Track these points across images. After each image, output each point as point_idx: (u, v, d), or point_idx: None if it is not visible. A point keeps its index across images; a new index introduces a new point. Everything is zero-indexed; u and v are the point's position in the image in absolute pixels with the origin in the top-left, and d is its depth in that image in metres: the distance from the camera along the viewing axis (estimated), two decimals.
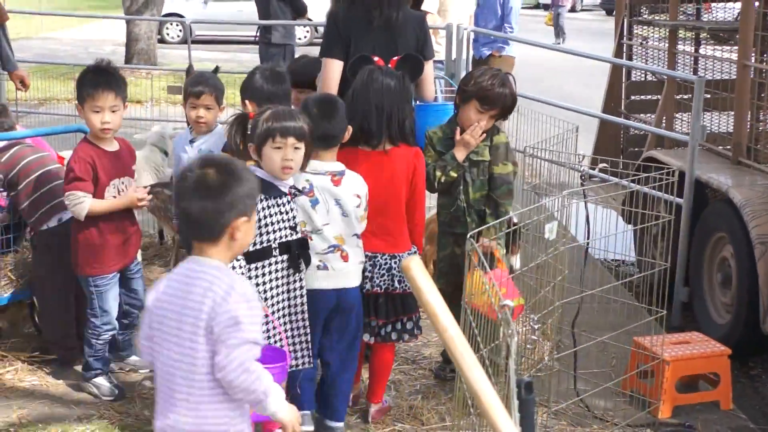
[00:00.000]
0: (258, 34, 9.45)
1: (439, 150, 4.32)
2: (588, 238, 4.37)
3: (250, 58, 11.57)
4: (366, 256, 3.94)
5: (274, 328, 3.61)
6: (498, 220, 4.10)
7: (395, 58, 4.21)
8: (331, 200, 3.78)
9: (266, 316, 3.56)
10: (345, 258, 3.82)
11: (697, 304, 5.59)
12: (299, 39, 18.86)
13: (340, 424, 3.96)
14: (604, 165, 5.59)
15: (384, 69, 4.05)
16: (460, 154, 4.24)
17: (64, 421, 4.14)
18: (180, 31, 21.55)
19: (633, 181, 4.83)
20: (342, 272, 3.83)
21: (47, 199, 4.54)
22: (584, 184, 4.42)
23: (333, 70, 4.34)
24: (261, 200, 3.49)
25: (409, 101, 4.12)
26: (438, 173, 4.25)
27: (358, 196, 3.82)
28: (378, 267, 3.97)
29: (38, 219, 4.54)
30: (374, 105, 3.92)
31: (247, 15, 18.01)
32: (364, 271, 3.93)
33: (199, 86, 4.49)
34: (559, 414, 4.27)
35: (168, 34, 21.77)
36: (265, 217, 3.54)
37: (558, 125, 5.47)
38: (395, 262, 3.95)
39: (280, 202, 3.59)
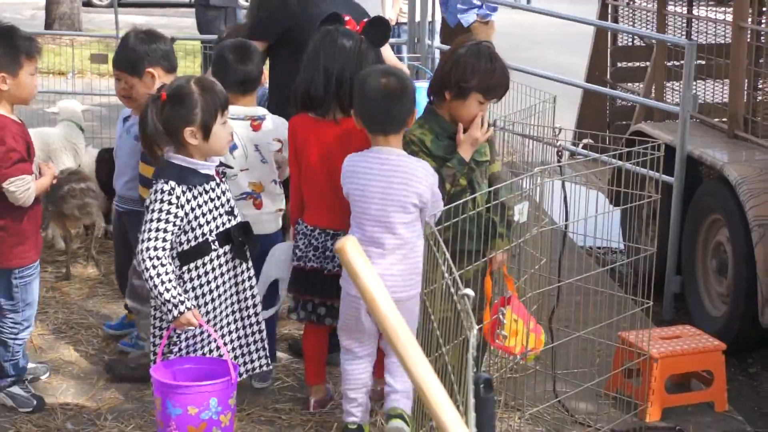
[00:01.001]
0: None
1: (438, 155, 3.95)
2: (566, 221, 4.40)
3: (191, 23, 11.52)
4: (326, 232, 4.05)
5: (209, 336, 3.66)
6: (509, 228, 4.05)
7: (364, 20, 4.26)
8: (251, 145, 4.08)
9: (200, 325, 3.61)
10: (258, 206, 4.16)
11: (689, 294, 5.68)
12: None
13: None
14: (588, 140, 5.65)
15: (341, 30, 4.08)
16: (467, 155, 3.93)
17: None
18: None
19: (616, 157, 4.88)
20: (252, 220, 3.99)
21: None
22: (560, 160, 4.46)
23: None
24: (184, 192, 3.52)
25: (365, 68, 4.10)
26: (447, 185, 3.92)
27: (279, 141, 4.13)
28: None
29: None
30: (323, 68, 3.98)
31: None
32: (317, 248, 4.00)
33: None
34: (536, 419, 4.32)
35: None
36: (192, 209, 3.56)
37: (534, 95, 5.50)
38: None
39: (208, 188, 3.61)
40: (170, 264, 3.54)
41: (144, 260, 3.50)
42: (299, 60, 4.21)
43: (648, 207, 5.17)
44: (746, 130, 5.75)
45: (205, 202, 3.59)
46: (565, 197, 4.38)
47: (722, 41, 6.41)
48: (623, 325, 4.66)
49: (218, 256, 3.65)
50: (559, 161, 4.49)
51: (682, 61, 5.93)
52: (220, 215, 3.63)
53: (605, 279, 5.41)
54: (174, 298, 3.53)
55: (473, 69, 3.88)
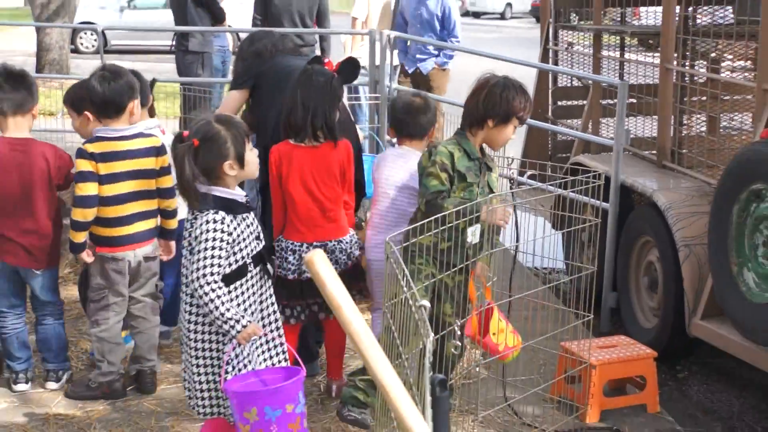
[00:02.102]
0: (174, 42, 9.41)
1: (461, 170, 4.10)
2: (517, 243, 4.46)
3: (170, 68, 11.52)
4: (312, 245, 4.34)
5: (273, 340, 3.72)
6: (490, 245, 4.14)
7: (339, 60, 4.54)
8: None
9: (264, 335, 3.62)
10: None
11: (624, 308, 5.75)
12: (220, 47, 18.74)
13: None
14: (534, 172, 5.72)
15: (317, 69, 4.32)
16: (476, 235, 4.06)
17: None
18: (95, 40, 21.30)
19: (562, 185, 4.95)
20: None
21: None
22: (513, 188, 4.52)
23: (234, 98, 4.88)
24: (231, 220, 3.52)
25: (337, 101, 4.35)
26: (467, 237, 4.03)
27: None
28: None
29: None
30: (301, 101, 4.24)
31: (162, 25, 17.86)
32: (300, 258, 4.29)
33: None
34: (488, 421, 4.36)
35: (82, 44, 21.53)
36: (238, 236, 3.56)
37: None
38: (337, 246, 4.35)
39: (245, 216, 3.62)
40: (223, 286, 3.53)
41: (203, 285, 3.45)
42: (272, 100, 4.55)
43: (588, 230, 5.24)
44: (673, 161, 5.85)
45: (244, 229, 3.58)
46: (516, 221, 4.44)
47: (651, 81, 6.53)
48: (566, 337, 4.72)
49: (252, 276, 3.65)
50: (511, 189, 4.56)
51: (615, 100, 6.04)
52: (253, 240, 3.63)
53: (550, 295, 5.47)
54: (236, 315, 3.50)
55: (515, 98, 4.12)
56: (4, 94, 4.45)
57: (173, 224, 4.56)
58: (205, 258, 3.46)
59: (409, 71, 8.85)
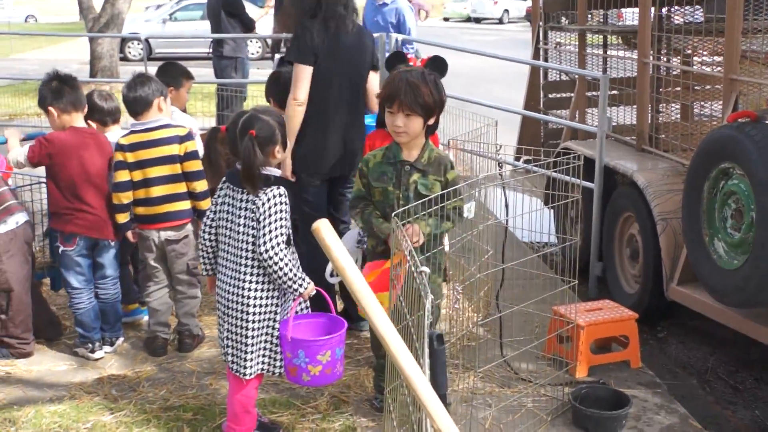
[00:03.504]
0: (211, 48, 9.45)
1: (376, 178, 3.80)
2: (506, 217, 4.46)
3: (207, 72, 11.55)
4: None
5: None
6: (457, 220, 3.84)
7: (424, 58, 4.44)
8: None
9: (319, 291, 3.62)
10: None
11: (609, 276, 5.72)
12: (252, 54, 18.78)
13: None
14: (527, 158, 5.69)
15: (416, 69, 4.10)
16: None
17: (37, 403, 4.13)
18: (141, 49, 21.35)
19: (548, 166, 4.93)
20: None
21: None
22: (501, 170, 4.51)
23: (305, 74, 4.55)
24: (287, 195, 3.52)
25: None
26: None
27: None
28: None
29: None
30: None
31: (200, 34, 17.89)
32: None
33: None
34: (487, 376, 4.36)
35: (130, 52, 21.56)
36: (289, 207, 3.57)
37: (479, 120, 5.55)
38: None
39: (288, 192, 3.62)
40: (287, 251, 3.53)
41: (276, 253, 3.45)
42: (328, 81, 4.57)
43: (576, 207, 5.22)
44: (651, 145, 5.81)
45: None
46: (505, 199, 4.43)
47: (630, 74, 6.48)
48: (555, 302, 4.71)
49: (293, 243, 3.65)
50: (499, 171, 4.54)
51: (598, 92, 6.00)
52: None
53: (541, 265, 5.45)
54: (302, 275, 3.53)
55: (398, 83, 3.69)
56: (68, 94, 4.52)
57: (204, 205, 4.56)
58: (275, 228, 3.46)
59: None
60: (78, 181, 4.49)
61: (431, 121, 3.71)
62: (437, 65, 4.33)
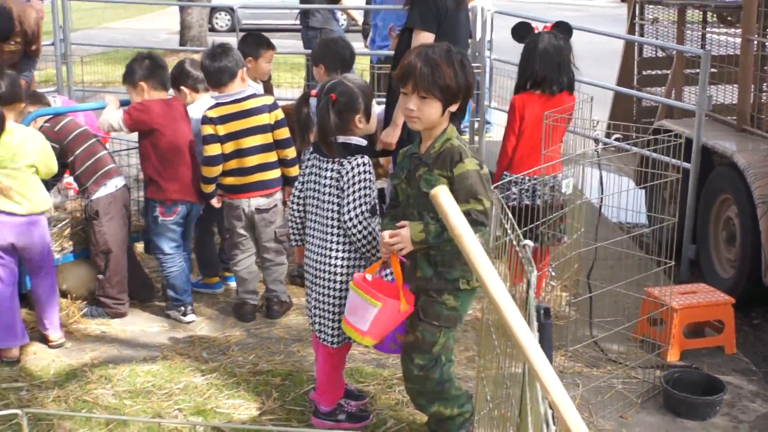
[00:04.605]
0: (299, 19, 9.50)
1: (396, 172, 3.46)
2: (601, 196, 4.38)
3: (293, 43, 11.65)
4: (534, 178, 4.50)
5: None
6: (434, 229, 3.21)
7: (549, 23, 4.69)
8: None
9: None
10: None
11: (703, 260, 5.58)
12: (341, 25, 18.80)
13: None
14: (618, 135, 5.57)
15: (551, 34, 4.60)
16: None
17: (131, 362, 4.26)
18: (228, 20, 21.62)
19: (644, 147, 4.83)
20: None
21: (98, 166, 4.65)
22: (598, 149, 4.42)
23: (428, 41, 4.47)
24: (370, 164, 3.51)
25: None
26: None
27: None
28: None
29: (95, 182, 4.63)
30: (550, 59, 4.54)
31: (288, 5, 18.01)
32: (527, 190, 4.51)
33: None
34: (576, 356, 4.31)
35: (217, 23, 21.86)
36: (374, 177, 3.56)
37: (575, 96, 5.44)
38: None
39: (371, 161, 3.60)
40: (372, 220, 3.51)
41: (360, 221, 3.44)
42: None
43: (669, 186, 5.09)
44: (752, 125, 5.62)
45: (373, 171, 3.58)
46: (600, 177, 4.35)
47: (732, 52, 6.27)
48: (648, 283, 4.62)
49: (378, 214, 3.64)
50: (595, 148, 4.46)
51: (697, 69, 5.82)
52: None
53: (630, 245, 5.35)
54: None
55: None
56: (161, 73, 4.67)
57: (294, 172, 4.60)
58: (359, 197, 3.45)
59: (374, 62, 8.09)
60: (173, 148, 4.58)
61: (453, 108, 3.08)
62: (563, 29, 4.40)
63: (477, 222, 2.95)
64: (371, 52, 8.33)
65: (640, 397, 3.99)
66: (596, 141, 4.43)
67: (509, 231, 2.40)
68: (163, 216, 4.62)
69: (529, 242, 2.22)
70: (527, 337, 1.36)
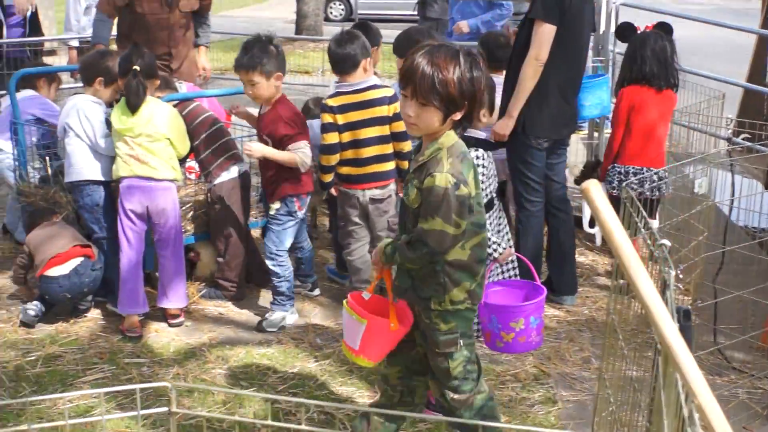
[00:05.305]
0: (416, 10, 9.53)
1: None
2: (731, 200, 4.23)
3: None
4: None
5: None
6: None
7: (650, 24, 5.00)
8: None
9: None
10: None
11: None
12: None
13: None
14: (746, 135, 5.37)
15: (656, 33, 4.86)
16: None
17: (247, 344, 4.37)
18: (342, 9, 21.89)
19: None
20: None
21: (222, 151, 4.77)
22: (729, 148, 4.28)
23: (550, 33, 4.46)
24: (486, 157, 3.50)
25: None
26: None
27: None
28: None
29: (218, 166, 4.75)
30: (657, 57, 4.80)
31: None
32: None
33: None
34: (698, 363, 4.16)
35: (332, 13, 22.15)
36: (490, 171, 3.56)
37: (702, 92, 5.28)
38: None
39: (490, 153, 3.59)
40: None
41: None
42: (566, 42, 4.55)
43: None
44: None
45: (489, 165, 3.55)
46: (732, 179, 4.21)
47: None
48: None
49: (495, 210, 3.63)
50: (728, 151, 4.31)
51: None
52: (493, 177, 3.60)
53: (756, 250, 5.14)
54: (497, 240, 3.56)
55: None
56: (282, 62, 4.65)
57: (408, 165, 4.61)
58: None
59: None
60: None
61: (457, 116, 2.80)
62: (665, 29, 4.33)
63: (416, 241, 2.78)
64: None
65: (766, 409, 3.84)
66: (728, 140, 4.27)
67: (642, 228, 2.34)
68: (300, 210, 4.60)
69: (666, 242, 2.16)
70: (676, 339, 1.33)
